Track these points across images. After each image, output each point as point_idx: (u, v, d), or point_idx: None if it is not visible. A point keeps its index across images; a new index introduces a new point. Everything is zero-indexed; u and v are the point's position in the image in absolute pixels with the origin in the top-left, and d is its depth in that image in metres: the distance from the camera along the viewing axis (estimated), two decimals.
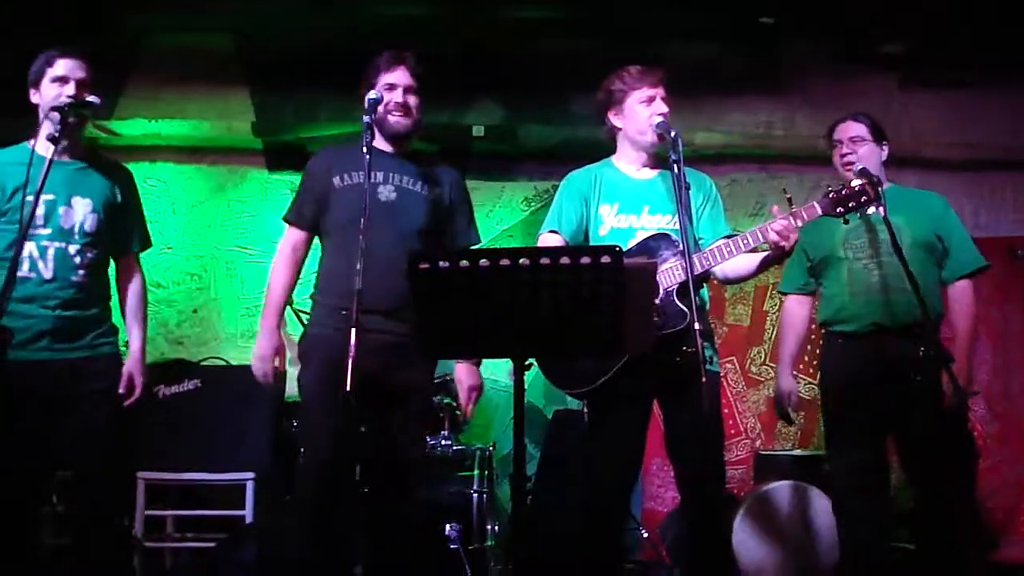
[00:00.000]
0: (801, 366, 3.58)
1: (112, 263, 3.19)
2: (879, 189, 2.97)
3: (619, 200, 3.10)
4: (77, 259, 2.96)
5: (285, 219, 3.21)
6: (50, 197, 2.92)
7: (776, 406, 3.60)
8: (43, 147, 2.86)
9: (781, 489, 4.14)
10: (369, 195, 2.90)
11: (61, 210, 2.94)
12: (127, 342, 3.18)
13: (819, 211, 2.87)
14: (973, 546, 3.40)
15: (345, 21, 4.80)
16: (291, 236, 3.17)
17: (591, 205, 3.12)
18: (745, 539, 4.07)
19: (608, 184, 3.14)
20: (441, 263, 1.96)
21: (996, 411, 5.09)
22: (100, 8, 4.69)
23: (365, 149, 2.82)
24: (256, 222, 5.54)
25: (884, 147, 3.41)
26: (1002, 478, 5.06)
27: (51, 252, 2.92)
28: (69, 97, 2.89)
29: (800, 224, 2.83)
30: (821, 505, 4.01)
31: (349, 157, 3.07)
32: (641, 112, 3.08)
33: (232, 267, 5.51)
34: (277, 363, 3.09)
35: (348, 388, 2.51)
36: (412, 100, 3.10)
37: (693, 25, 4.92)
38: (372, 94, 2.99)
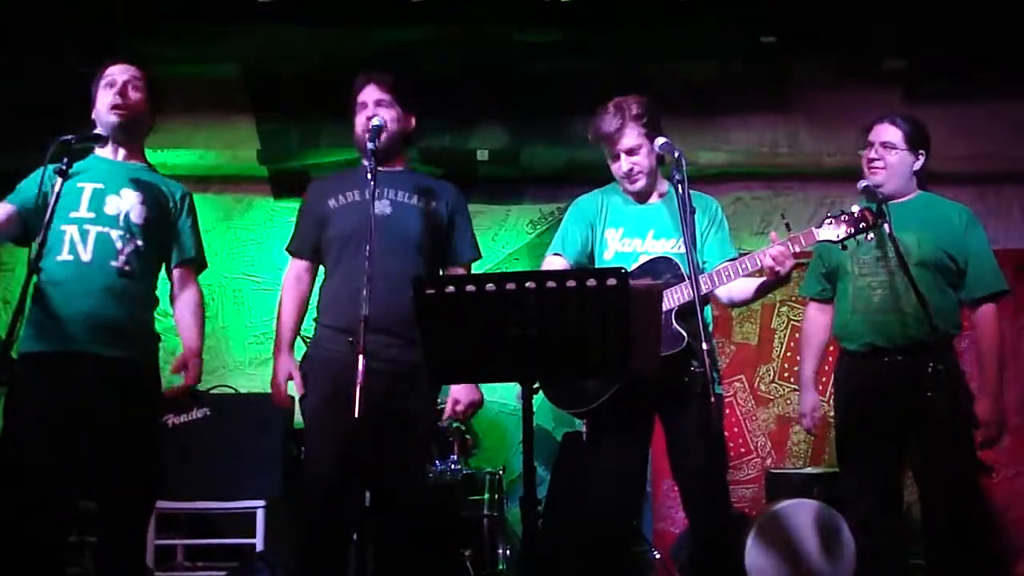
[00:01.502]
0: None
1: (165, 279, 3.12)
2: (883, 214, 2.95)
3: (624, 225, 3.13)
4: (119, 244, 2.86)
5: (287, 250, 3.23)
6: (99, 186, 2.90)
7: (800, 421, 3.54)
8: (107, 151, 3.01)
9: (793, 507, 4.11)
10: (364, 210, 2.92)
11: (108, 198, 2.89)
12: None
13: (816, 238, 2.87)
14: (987, 561, 3.36)
15: (348, 48, 4.83)
16: (294, 267, 3.20)
17: (597, 229, 3.16)
18: (758, 558, 4.03)
19: (614, 209, 3.17)
20: (447, 288, 1.96)
21: (1009, 425, 5.02)
22: (107, 39, 4.72)
23: (370, 176, 2.84)
24: (262, 250, 5.56)
25: (920, 156, 3.28)
26: (1017, 492, 5.03)
27: (92, 235, 2.83)
28: (117, 96, 2.93)
29: (797, 250, 2.84)
30: (835, 523, 3.98)
31: (343, 180, 3.13)
32: (614, 167, 3.14)
33: (239, 295, 5.52)
34: (294, 386, 3.06)
35: (357, 414, 2.50)
36: (384, 113, 3.09)
37: (696, 45, 4.94)
38: (375, 120, 3.01)
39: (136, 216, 2.92)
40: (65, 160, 2.75)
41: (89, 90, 3.03)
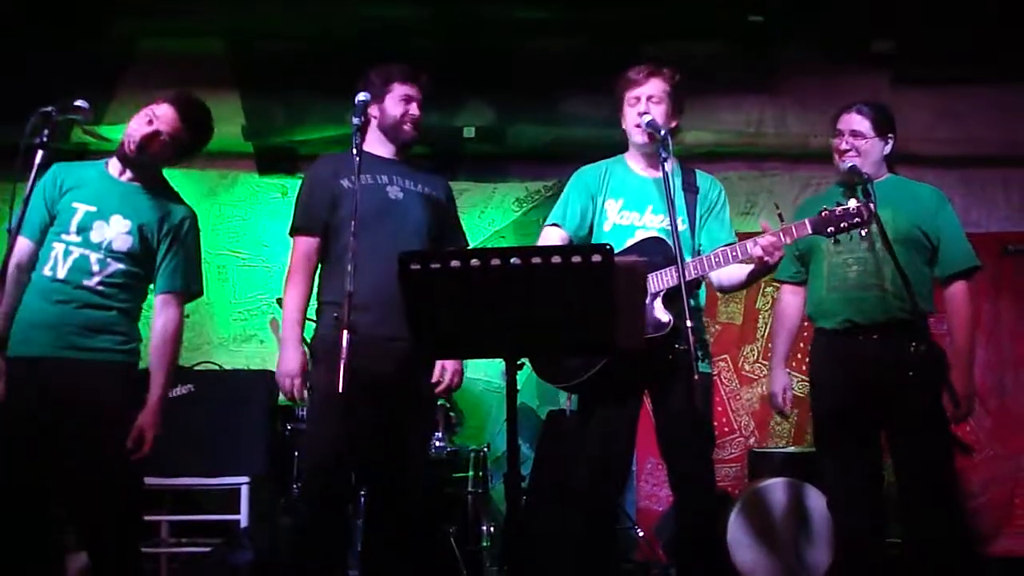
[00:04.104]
0: (793, 363, 3.56)
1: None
2: (868, 193, 2.99)
3: (624, 196, 3.12)
4: (96, 267, 2.91)
5: (296, 230, 3.15)
6: (92, 208, 2.94)
7: (771, 401, 3.58)
8: (114, 167, 3.03)
9: (775, 487, 4.15)
10: (378, 194, 3.06)
11: (96, 223, 2.93)
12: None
13: (809, 230, 2.87)
14: (963, 541, 3.39)
15: (334, 24, 4.79)
16: (304, 246, 3.13)
17: (597, 200, 3.14)
18: (740, 537, 4.08)
19: (616, 180, 3.16)
20: (432, 264, 1.96)
21: (989, 406, 5.11)
22: (91, 13, 4.67)
23: (355, 151, 2.88)
24: (247, 226, 5.53)
25: (888, 140, 3.33)
26: (996, 473, 5.08)
27: (73, 256, 2.90)
28: (135, 141, 2.97)
29: (789, 241, 2.85)
30: (816, 502, 4.03)
31: (351, 161, 3.07)
32: (628, 114, 3.12)
33: (223, 271, 5.49)
34: (305, 379, 3.02)
35: (341, 389, 2.53)
36: (417, 114, 3.22)
37: (683, 24, 4.92)
38: (361, 96, 3.02)
39: (119, 245, 2.95)
40: (45, 132, 2.72)
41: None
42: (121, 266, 2.95)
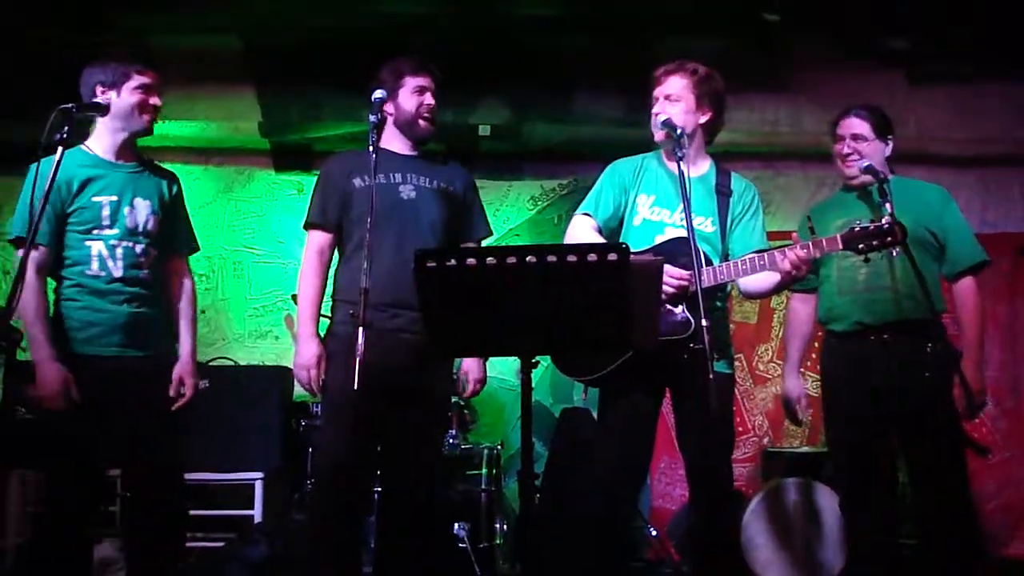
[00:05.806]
0: (808, 363, 3.55)
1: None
2: (885, 194, 3.00)
3: (656, 193, 3.08)
4: (143, 258, 3.00)
5: (309, 224, 3.16)
6: (114, 198, 2.99)
7: (784, 408, 3.58)
8: (101, 147, 3.04)
9: (790, 486, 4.15)
10: (390, 194, 3.06)
11: (125, 210, 3.00)
12: None
13: (840, 245, 2.81)
14: (977, 542, 3.38)
15: (351, 20, 4.80)
16: (317, 240, 3.15)
17: (630, 192, 3.11)
18: (754, 536, 4.07)
19: (650, 174, 3.12)
20: (448, 261, 1.96)
21: (1004, 407, 5.08)
22: (105, 8, 4.70)
23: (372, 148, 2.91)
24: (263, 222, 5.56)
25: (888, 142, 3.33)
26: (1012, 474, 5.06)
27: (120, 251, 2.96)
28: (151, 106, 3.02)
29: (818, 255, 2.82)
30: (829, 502, 4.02)
31: (366, 159, 3.08)
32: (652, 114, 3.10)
33: (239, 268, 5.53)
34: (323, 370, 3.03)
35: (356, 386, 2.54)
36: (432, 102, 3.21)
37: (698, 22, 4.91)
38: (378, 93, 3.03)
39: (151, 225, 3.05)
40: (66, 129, 2.74)
41: (80, 64, 3.05)
42: (156, 250, 3.05)
